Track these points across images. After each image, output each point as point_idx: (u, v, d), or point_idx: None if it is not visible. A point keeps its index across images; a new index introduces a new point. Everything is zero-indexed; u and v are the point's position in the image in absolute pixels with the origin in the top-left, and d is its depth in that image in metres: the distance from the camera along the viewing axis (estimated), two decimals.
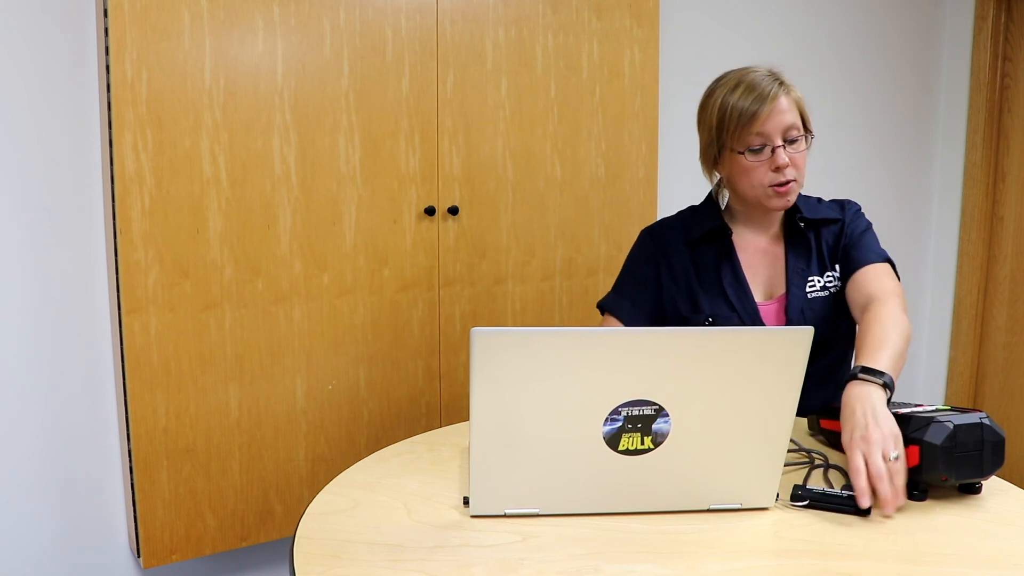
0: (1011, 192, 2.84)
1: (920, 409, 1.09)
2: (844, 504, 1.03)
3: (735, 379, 0.95)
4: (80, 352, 1.71)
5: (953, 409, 1.08)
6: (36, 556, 1.72)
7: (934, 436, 1.01)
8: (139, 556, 1.67)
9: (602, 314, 1.49)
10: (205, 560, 1.88)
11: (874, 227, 2.83)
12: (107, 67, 1.52)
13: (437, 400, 1.95)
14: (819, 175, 2.72)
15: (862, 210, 1.47)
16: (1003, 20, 2.80)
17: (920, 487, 1.06)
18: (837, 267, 1.41)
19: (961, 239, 2.94)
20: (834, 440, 1.25)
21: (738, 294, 1.38)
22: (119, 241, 1.55)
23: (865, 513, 1.02)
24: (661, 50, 2.15)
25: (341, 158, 1.74)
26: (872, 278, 1.34)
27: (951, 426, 1.01)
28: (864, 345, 1.16)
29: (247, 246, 1.67)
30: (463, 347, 1.95)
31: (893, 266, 1.41)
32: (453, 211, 1.88)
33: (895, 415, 1.08)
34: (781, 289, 1.40)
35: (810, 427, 1.32)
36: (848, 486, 1.08)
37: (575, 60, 1.99)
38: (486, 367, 0.91)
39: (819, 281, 1.39)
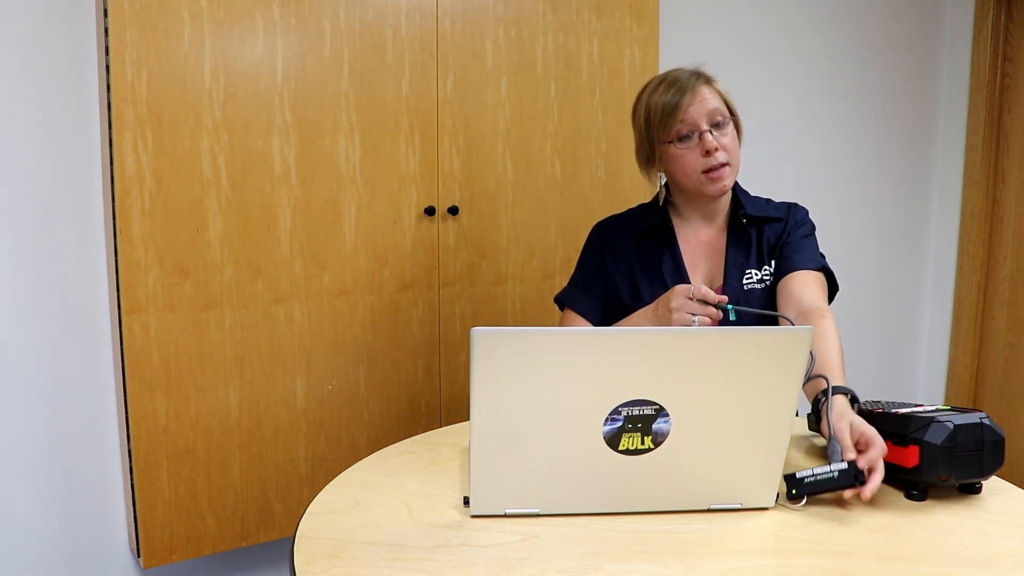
0: (1011, 192, 2.84)
1: (920, 409, 1.09)
2: (838, 483, 1.02)
3: (735, 379, 0.95)
4: (80, 352, 1.71)
5: (953, 409, 1.08)
6: (36, 556, 1.72)
7: (934, 436, 1.02)
8: (139, 556, 1.67)
9: (561, 308, 1.55)
10: (205, 560, 1.88)
11: (875, 228, 2.85)
12: (107, 67, 1.52)
13: (437, 400, 1.95)
14: (819, 175, 2.73)
15: (809, 215, 1.51)
16: (1003, 20, 2.79)
17: (920, 487, 1.07)
18: (773, 263, 1.45)
19: (961, 239, 2.94)
20: None
21: (677, 283, 1.41)
22: (119, 241, 1.55)
23: (861, 483, 1.01)
24: (661, 50, 2.15)
25: (341, 158, 1.74)
26: (804, 285, 1.37)
27: (951, 426, 1.01)
28: (820, 364, 1.21)
29: (247, 246, 1.67)
30: (463, 347, 1.95)
31: (829, 274, 1.44)
32: (453, 211, 1.88)
33: (895, 415, 1.08)
34: (719, 279, 1.45)
35: (810, 427, 1.33)
36: (835, 453, 1.06)
37: (575, 60, 1.99)
38: (486, 367, 0.91)
39: (756, 274, 1.44)
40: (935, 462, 1.02)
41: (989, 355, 2.94)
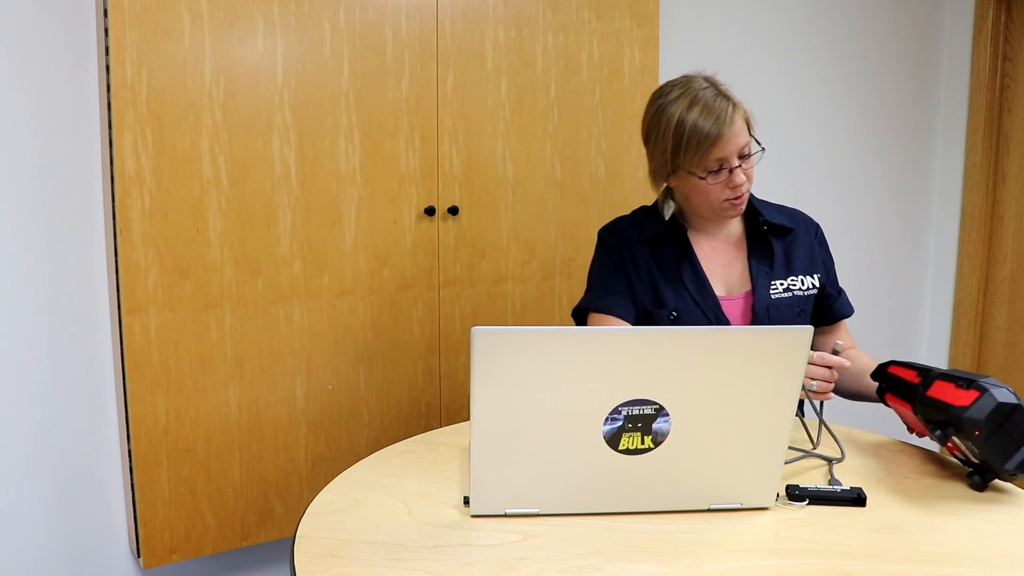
0: (1011, 192, 2.84)
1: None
2: (841, 499, 1.04)
3: (735, 379, 0.96)
4: (80, 352, 1.71)
5: None
6: (36, 556, 1.72)
7: (999, 395, 1.02)
8: (139, 556, 1.67)
9: (580, 318, 1.49)
10: (205, 560, 1.88)
11: (875, 228, 2.84)
12: (107, 67, 1.52)
13: (437, 400, 1.95)
14: (819, 175, 2.73)
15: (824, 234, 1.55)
16: (1003, 20, 2.79)
17: (986, 475, 1.08)
18: (807, 278, 1.46)
19: (961, 239, 2.94)
20: (898, 388, 1.22)
21: (699, 289, 1.41)
22: (119, 241, 1.55)
23: (861, 504, 1.03)
24: (661, 50, 2.15)
25: (341, 158, 1.74)
26: (846, 332, 1.54)
27: (1017, 401, 1.01)
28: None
29: (247, 246, 1.67)
30: (463, 347, 1.95)
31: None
32: (453, 211, 1.88)
33: (947, 374, 1.09)
34: (740, 287, 1.44)
35: (874, 376, 1.31)
36: (836, 481, 1.10)
37: (575, 60, 1.99)
38: (486, 367, 0.91)
39: (782, 284, 1.43)
40: (982, 412, 1.01)
41: (989, 355, 2.93)
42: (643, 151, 1.87)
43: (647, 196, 1.75)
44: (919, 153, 2.95)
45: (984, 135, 2.82)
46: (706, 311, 1.39)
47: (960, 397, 1.05)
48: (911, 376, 1.19)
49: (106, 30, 1.51)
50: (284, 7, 1.64)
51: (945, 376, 1.11)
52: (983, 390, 1.03)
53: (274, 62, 1.65)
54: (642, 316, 1.43)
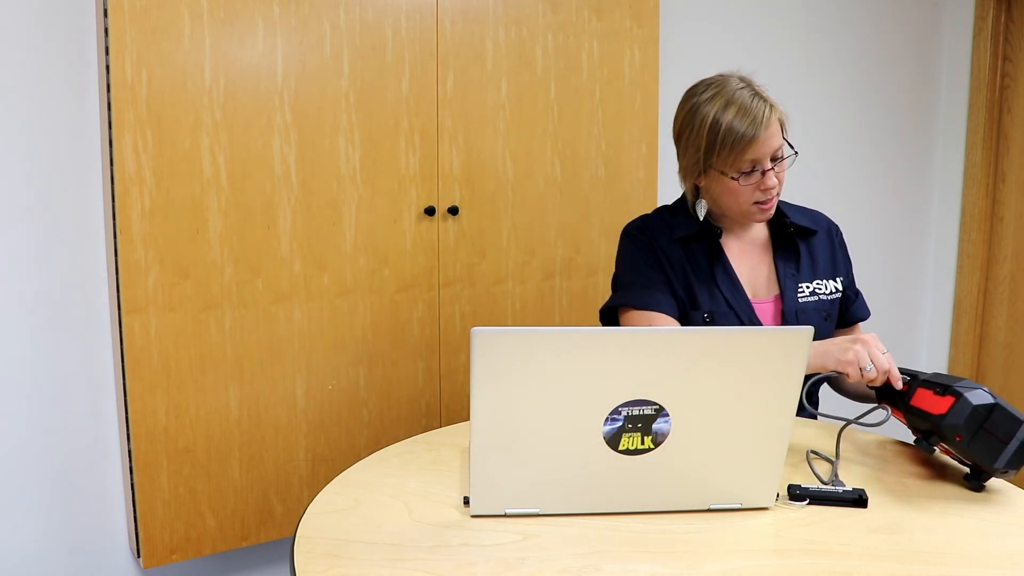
0: (1011, 192, 2.84)
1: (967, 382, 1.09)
2: (842, 499, 1.04)
3: (735, 379, 0.96)
4: (80, 352, 1.71)
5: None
6: (36, 556, 1.72)
7: (975, 398, 1.01)
8: (139, 556, 1.67)
9: (611, 318, 1.45)
10: (205, 560, 1.88)
11: (875, 228, 2.84)
12: (107, 67, 1.52)
13: (437, 400, 1.95)
14: (819, 175, 2.73)
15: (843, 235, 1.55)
16: (1003, 20, 2.80)
17: (981, 476, 1.07)
18: (830, 282, 1.46)
19: (961, 239, 2.94)
20: (890, 396, 1.20)
21: (732, 292, 1.40)
22: (119, 241, 1.55)
23: (863, 505, 1.04)
24: (661, 50, 2.15)
25: (341, 158, 1.74)
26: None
27: (993, 402, 1.01)
28: None
29: (247, 246, 1.67)
30: (463, 347, 1.95)
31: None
32: (453, 211, 1.88)
33: (928, 381, 1.09)
34: (767, 291, 1.43)
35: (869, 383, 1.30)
36: (839, 481, 1.10)
37: (575, 60, 1.99)
38: (486, 367, 0.91)
39: (807, 287, 1.43)
40: (959, 418, 1.01)
41: (989, 355, 2.94)
42: (643, 151, 1.88)
43: (647, 196, 1.75)
44: (919, 153, 2.96)
45: (984, 135, 2.82)
46: (740, 314, 1.38)
47: (938, 405, 1.05)
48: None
49: (106, 30, 1.51)
50: (284, 7, 1.64)
51: (926, 383, 1.11)
52: (958, 395, 1.03)
53: (274, 62, 1.65)
54: (680, 316, 1.40)
